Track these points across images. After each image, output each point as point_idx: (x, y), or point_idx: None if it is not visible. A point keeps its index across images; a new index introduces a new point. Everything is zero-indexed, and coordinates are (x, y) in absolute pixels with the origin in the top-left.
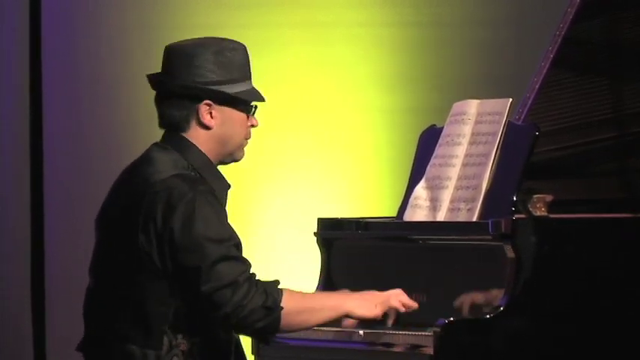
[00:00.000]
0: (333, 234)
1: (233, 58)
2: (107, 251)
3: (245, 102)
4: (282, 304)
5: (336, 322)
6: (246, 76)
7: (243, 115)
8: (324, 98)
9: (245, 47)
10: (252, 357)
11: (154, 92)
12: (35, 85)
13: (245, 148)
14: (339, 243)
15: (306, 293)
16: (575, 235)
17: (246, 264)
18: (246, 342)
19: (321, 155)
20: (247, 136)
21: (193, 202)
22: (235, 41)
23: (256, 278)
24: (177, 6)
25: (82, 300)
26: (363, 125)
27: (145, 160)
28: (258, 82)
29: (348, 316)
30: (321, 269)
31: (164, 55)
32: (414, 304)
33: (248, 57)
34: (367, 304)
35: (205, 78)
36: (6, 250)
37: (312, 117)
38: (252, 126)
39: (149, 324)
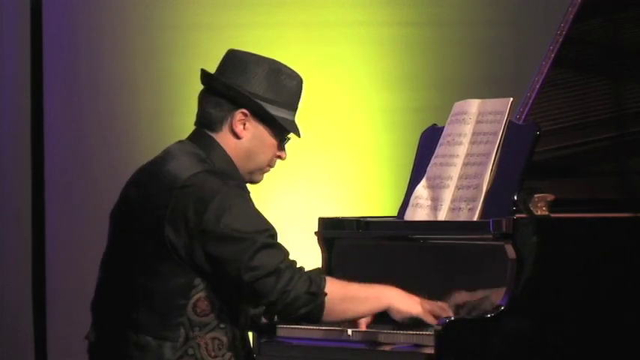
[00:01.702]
0: (334, 233)
1: (286, 83)
2: (126, 244)
3: (281, 127)
4: (325, 291)
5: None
6: (292, 106)
7: (273, 140)
8: (325, 98)
9: (302, 80)
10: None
11: (154, 93)
12: (36, 86)
13: (265, 175)
14: (340, 242)
15: (349, 282)
16: (575, 234)
17: (285, 251)
18: None
19: (321, 155)
20: (271, 164)
21: (227, 195)
22: (295, 71)
23: (297, 265)
24: (177, 6)
25: (83, 299)
26: (364, 125)
27: (170, 155)
28: None
29: (389, 309)
30: (323, 269)
31: (223, 57)
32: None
33: (301, 90)
34: (409, 299)
35: (251, 88)
36: (7, 250)
37: (313, 117)
38: (280, 158)
39: (167, 315)
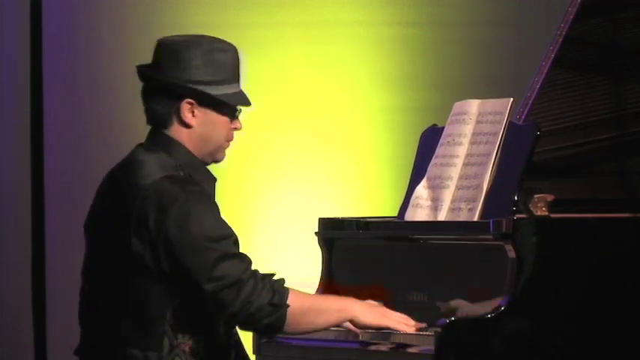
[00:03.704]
0: (334, 234)
1: (222, 59)
2: (100, 256)
3: (228, 105)
4: (288, 302)
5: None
6: (234, 78)
7: (224, 118)
8: (325, 98)
9: (236, 49)
10: (254, 357)
11: None
12: (36, 86)
13: (227, 150)
14: (340, 243)
15: (312, 294)
16: (575, 235)
17: (247, 261)
18: (247, 341)
19: (321, 155)
20: (229, 138)
21: (187, 203)
22: (227, 42)
23: (260, 274)
24: (177, 6)
25: None
26: (364, 125)
27: (132, 162)
28: (258, 81)
29: (352, 321)
30: (323, 269)
31: (155, 49)
32: (412, 330)
33: (239, 59)
34: (373, 312)
35: (191, 76)
36: (7, 250)
37: (313, 117)
38: (236, 129)
39: (148, 326)
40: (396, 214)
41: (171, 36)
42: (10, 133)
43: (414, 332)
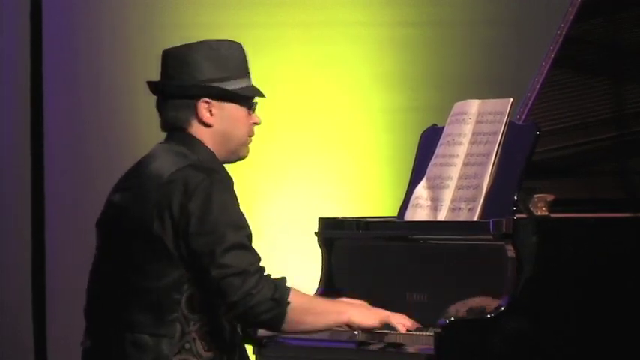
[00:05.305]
0: (334, 234)
1: (229, 56)
2: (118, 246)
3: (244, 97)
4: (289, 300)
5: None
6: (244, 73)
7: (243, 111)
8: (325, 98)
9: (241, 45)
10: (253, 357)
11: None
12: (36, 86)
13: (250, 146)
14: (340, 243)
15: (313, 296)
16: (575, 235)
17: (257, 256)
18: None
19: (321, 155)
20: (250, 134)
21: (210, 187)
22: (230, 40)
23: (265, 272)
24: (177, 6)
25: (83, 300)
26: (364, 125)
27: (151, 156)
28: (258, 81)
29: (349, 324)
30: (322, 269)
31: (161, 61)
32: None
33: (245, 54)
34: (370, 314)
35: (201, 76)
36: (7, 250)
37: (313, 117)
38: (255, 124)
39: (162, 312)
40: (396, 214)
41: (173, 47)
42: (10, 133)
43: (410, 331)
